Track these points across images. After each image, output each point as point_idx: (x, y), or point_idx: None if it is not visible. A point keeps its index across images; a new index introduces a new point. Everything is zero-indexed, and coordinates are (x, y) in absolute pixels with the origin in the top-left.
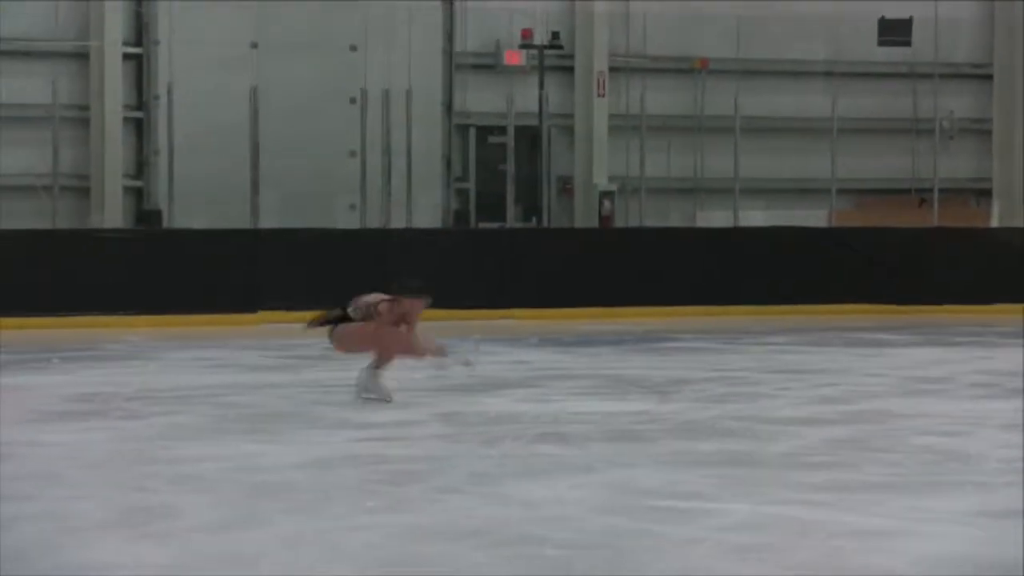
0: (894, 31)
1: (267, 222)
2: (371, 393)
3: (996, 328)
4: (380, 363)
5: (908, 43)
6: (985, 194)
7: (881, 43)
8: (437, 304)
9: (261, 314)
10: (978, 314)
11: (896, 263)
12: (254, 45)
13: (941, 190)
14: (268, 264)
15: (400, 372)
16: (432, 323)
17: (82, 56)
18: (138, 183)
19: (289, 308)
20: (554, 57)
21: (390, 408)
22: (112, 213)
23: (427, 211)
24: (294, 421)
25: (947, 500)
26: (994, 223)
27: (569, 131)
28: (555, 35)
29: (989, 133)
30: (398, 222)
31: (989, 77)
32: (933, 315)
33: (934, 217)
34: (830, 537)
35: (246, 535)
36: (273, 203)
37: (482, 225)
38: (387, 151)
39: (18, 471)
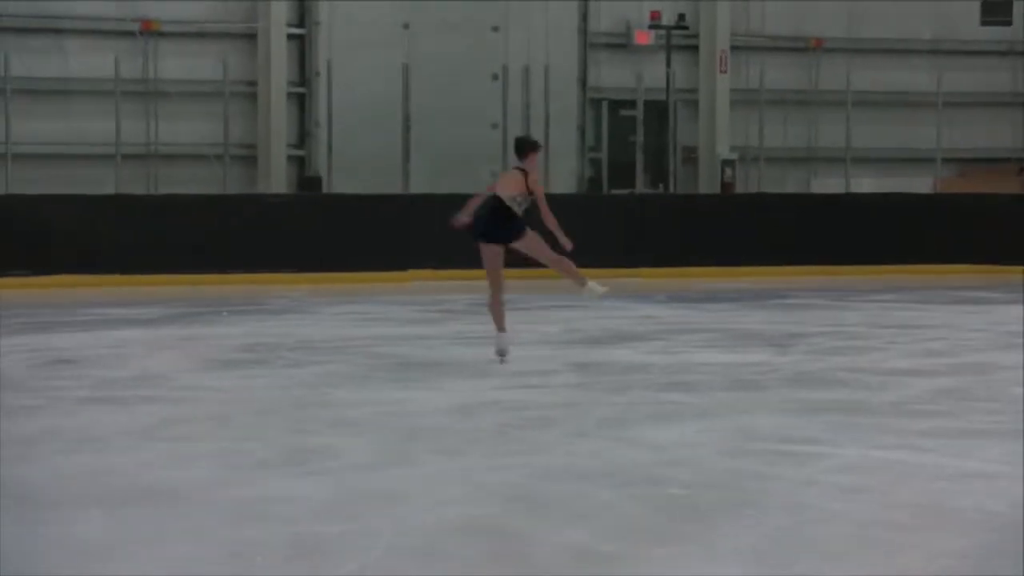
0: (996, 11)
1: (417, 188)
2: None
3: None
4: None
5: (1009, 22)
6: None
7: (984, 22)
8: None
9: (411, 272)
10: None
11: (994, 227)
12: (406, 26)
13: None
14: (417, 226)
15: (538, 326)
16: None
17: (250, 37)
18: (300, 152)
19: (436, 267)
20: (680, 37)
21: (528, 359)
22: (277, 180)
23: (563, 178)
24: (440, 369)
25: None
26: None
27: (694, 105)
28: (681, 16)
29: None
30: None
31: None
32: None
33: None
34: (933, 479)
35: (397, 473)
36: (422, 170)
37: (613, 191)
38: (526, 123)
39: (192, 414)
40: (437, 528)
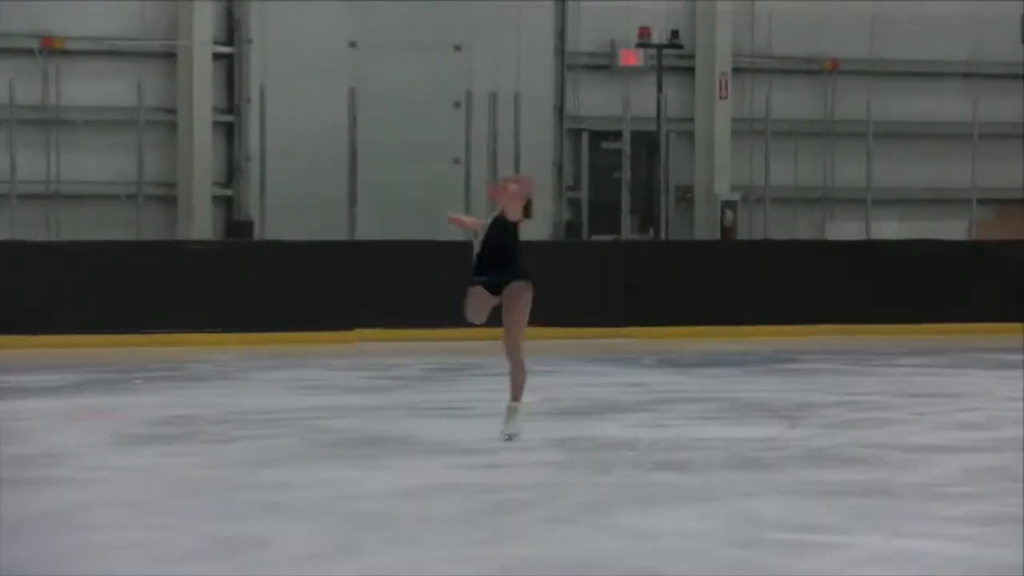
0: None
1: (365, 233)
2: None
3: None
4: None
5: None
6: None
7: None
8: (549, 322)
9: (358, 332)
10: None
11: None
12: (352, 44)
13: None
14: (366, 279)
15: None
16: (543, 342)
17: (169, 56)
18: (228, 192)
19: (388, 325)
20: (673, 57)
21: (495, 432)
22: (200, 223)
23: (537, 222)
24: (391, 446)
25: None
26: None
27: (689, 136)
28: (674, 33)
29: None
30: None
31: None
32: None
33: None
34: (970, 574)
35: (340, 568)
36: (372, 213)
37: (595, 237)
38: (494, 158)
39: (104, 498)
40: None
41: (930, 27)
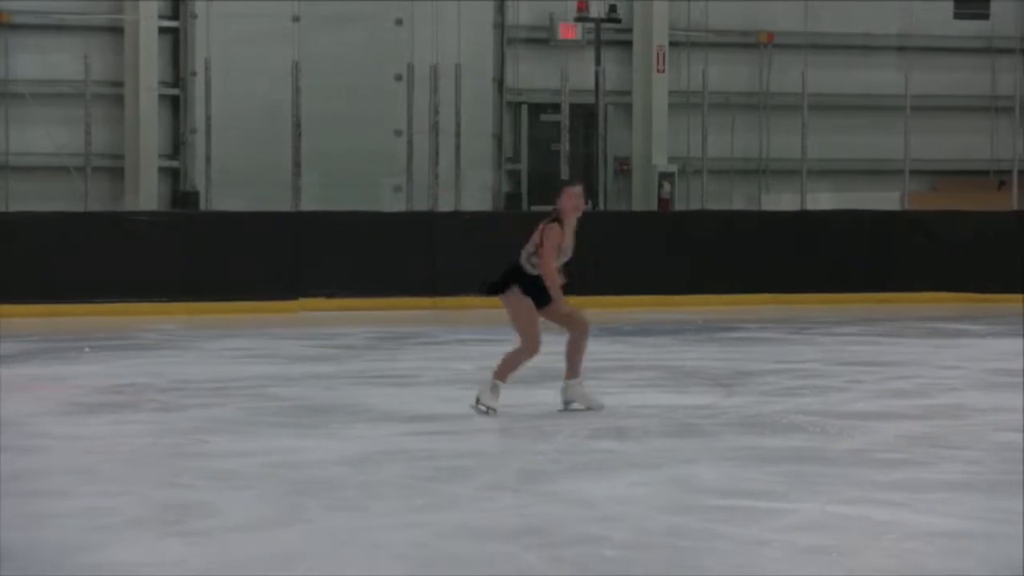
0: (971, 3)
1: (309, 204)
2: (579, 403)
3: None
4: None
5: (987, 16)
6: None
7: (958, 15)
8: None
9: (301, 301)
10: None
11: (973, 249)
12: (296, 19)
13: (1022, 172)
14: (310, 249)
15: (450, 362)
16: (485, 311)
17: (116, 30)
18: (174, 163)
19: (331, 295)
20: (611, 31)
21: (439, 400)
22: (147, 195)
23: (477, 193)
24: (336, 414)
25: None
26: None
27: (627, 109)
28: (612, 8)
29: None
30: (446, 205)
31: None
32: (1014, 304)
33: (1013, 200)
34: (903, 539)
35: (286, 534)
36: (315, 185)
37: (534, 208)
38: (435, 130)
39: (51, 466)
40: None
41: (863, 2)
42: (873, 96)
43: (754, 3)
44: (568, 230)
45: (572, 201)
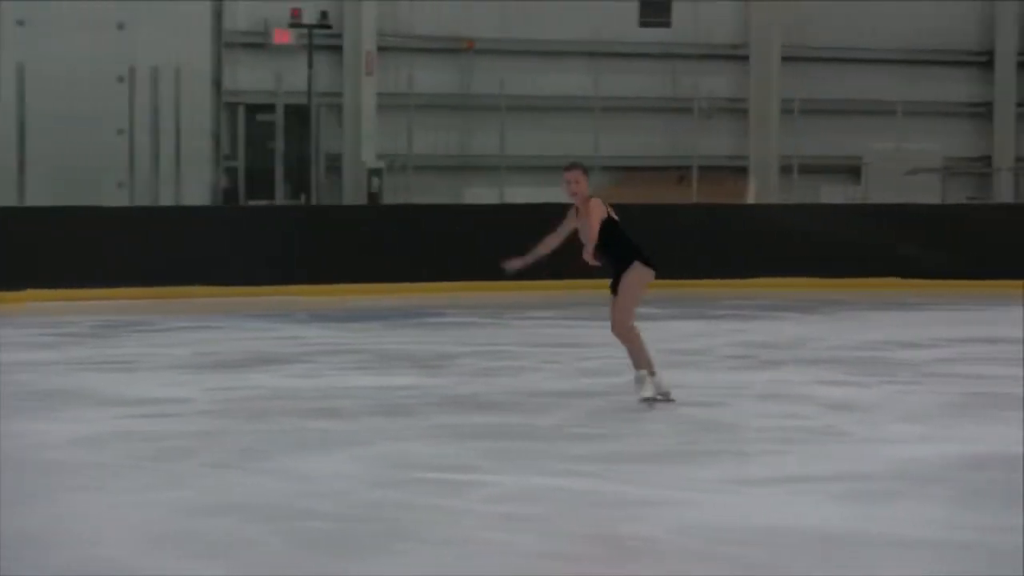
0: (655, 12)
1: (34, 200)
2: (650, 393)
3: (753, 301)
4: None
5: (668, 24)
6: (741, 172)
7: (643, 24)
8: (208, 281)
9: (28, 292)
10: (736, 288)
11: (659, 237)
12: (20, 23)
13: (700, 168)
14: (34, 243)
15: (167, 348)
16: (203, 300)
17: None
18: None
19: (56, 286)
20: (323, 36)
21: (159, 384)
22: None
23: (196, 189)
24: (62, 398)
25: (707, 469)
26: (750, 200)
27: (338, 109)
28: (324, 14)
29: (745, 112)
30: (167, 200)
31: (745, 58)
32: (693, 289)
33: (693, 194)
34: (596, 506)
35: (27, 514)
36: (40, 182)
37: (251, 203)
38: (155, 129)
39: None
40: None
41: (556, 9)
42: (566, 98)
43: (457, 12)
44: (582, 213)
45: (563, 187)
